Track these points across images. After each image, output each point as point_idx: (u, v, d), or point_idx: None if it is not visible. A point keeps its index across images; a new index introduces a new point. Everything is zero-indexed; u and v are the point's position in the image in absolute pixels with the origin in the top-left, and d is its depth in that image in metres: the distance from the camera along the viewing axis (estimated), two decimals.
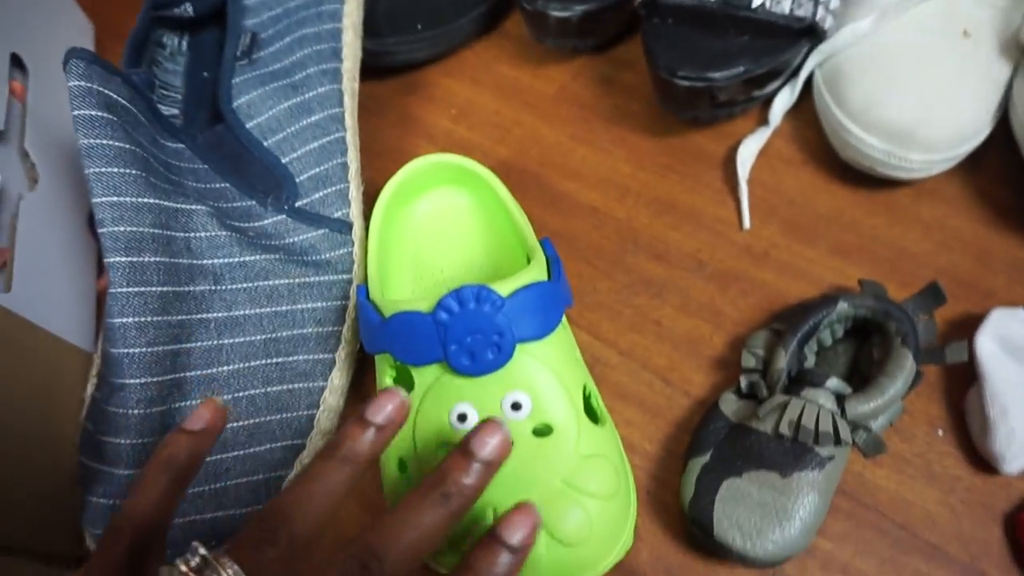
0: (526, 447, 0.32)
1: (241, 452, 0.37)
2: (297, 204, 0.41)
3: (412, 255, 0.42)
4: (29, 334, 0.37)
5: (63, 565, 0.37)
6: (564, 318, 0.37)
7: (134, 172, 0.35)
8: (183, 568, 0.24)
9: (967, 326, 0.38)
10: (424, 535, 0.26)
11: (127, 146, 0.35)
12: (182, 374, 0.36)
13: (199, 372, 0.37)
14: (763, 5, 0.41)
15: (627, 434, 0.38)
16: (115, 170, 0.35)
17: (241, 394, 0.37)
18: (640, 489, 0.37)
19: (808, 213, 0.43)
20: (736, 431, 0.35)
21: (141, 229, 0.35)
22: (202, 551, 0.24)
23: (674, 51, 0.42)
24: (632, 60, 0.51)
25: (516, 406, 0.32)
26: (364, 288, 0.37)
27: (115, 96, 0.36)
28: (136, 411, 0.35)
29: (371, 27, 0.49)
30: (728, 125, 0.47)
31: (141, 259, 0.35)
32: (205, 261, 0.37)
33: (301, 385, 0.38)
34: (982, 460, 0.35)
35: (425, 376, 0.33)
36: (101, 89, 0.35)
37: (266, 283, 0.39)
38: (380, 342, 0.34)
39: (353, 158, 0.43)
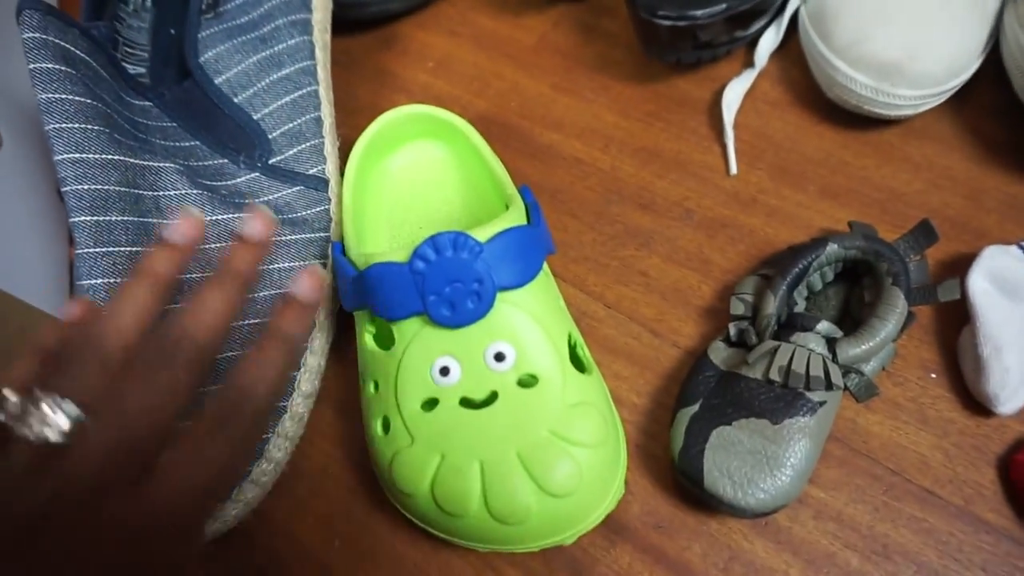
0: (512, 398, 0.31)
1: None
2: (271, 161, 0.39)
3: (388, 210, 0.41)
4: None
5: None
6: (546, 266, 0.36)
7: (96, 128, 0.34)
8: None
9: (959, 267, 0.37)
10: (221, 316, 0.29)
11: (88, 100, 0.34)
12: None
13: None
14: None
15: (616, 387, 0.37)
16: (76, 125, 0.33)
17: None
18: (630, 443, 0.36)
19: (796, 156, 0.42)
20: (725, 379, 0.34)
21: (106, 187, 0.34)
22: (11, 396, 0.25)
23: None
24: (612, 6, 0.50)
25: (500, 357, 0.31)
26: (340, 244, 0.36)
27: (73, 49, 0.34)
28: None
29: None
30: (712, 69, 0.46)
31: (108, 218, 0.34)
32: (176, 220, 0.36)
33: None
34: (976, 403, 0.35)
35: (405, 331, 0.32)
36: (57, 41, 0.34)
37: None
38: (357, 297, 0.33)
39: (327, 113, 0.42)
